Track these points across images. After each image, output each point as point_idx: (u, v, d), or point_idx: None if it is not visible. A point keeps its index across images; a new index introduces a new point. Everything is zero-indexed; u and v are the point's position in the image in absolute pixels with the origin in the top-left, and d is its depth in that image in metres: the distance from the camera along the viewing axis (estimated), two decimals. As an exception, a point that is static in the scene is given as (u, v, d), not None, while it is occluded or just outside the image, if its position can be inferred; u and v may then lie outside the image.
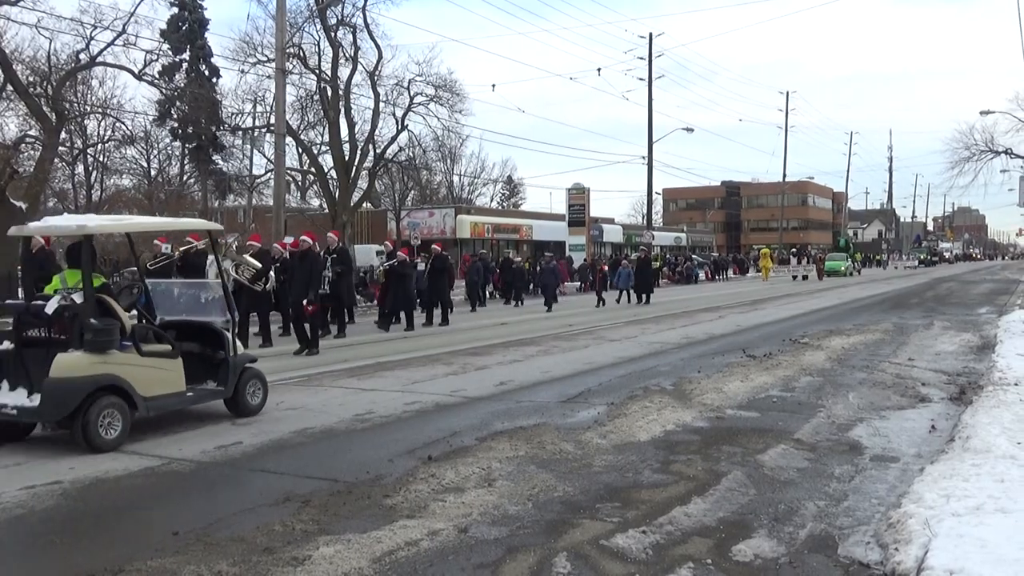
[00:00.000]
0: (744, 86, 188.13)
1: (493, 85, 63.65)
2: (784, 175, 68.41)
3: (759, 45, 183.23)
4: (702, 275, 52.05)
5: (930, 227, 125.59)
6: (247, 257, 14.73)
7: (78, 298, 7.58)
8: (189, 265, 14.78)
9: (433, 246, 21.61)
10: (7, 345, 7.79)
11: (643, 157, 48.22)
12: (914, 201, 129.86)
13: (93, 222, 8.44)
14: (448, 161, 58.91)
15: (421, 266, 21.80)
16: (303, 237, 14.97)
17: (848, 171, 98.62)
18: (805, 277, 49.36)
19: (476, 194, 68.50)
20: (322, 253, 16.18)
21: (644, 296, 28.42)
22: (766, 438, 7.44)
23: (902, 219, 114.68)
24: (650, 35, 47.28)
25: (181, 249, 15.11)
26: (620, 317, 22.13)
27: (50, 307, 7.57)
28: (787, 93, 67.43)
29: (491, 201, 72.73)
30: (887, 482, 6.13)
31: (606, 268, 33.30)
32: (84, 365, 7.31)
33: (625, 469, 6.44)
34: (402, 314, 18.72)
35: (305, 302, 13.75)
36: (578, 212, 48.00)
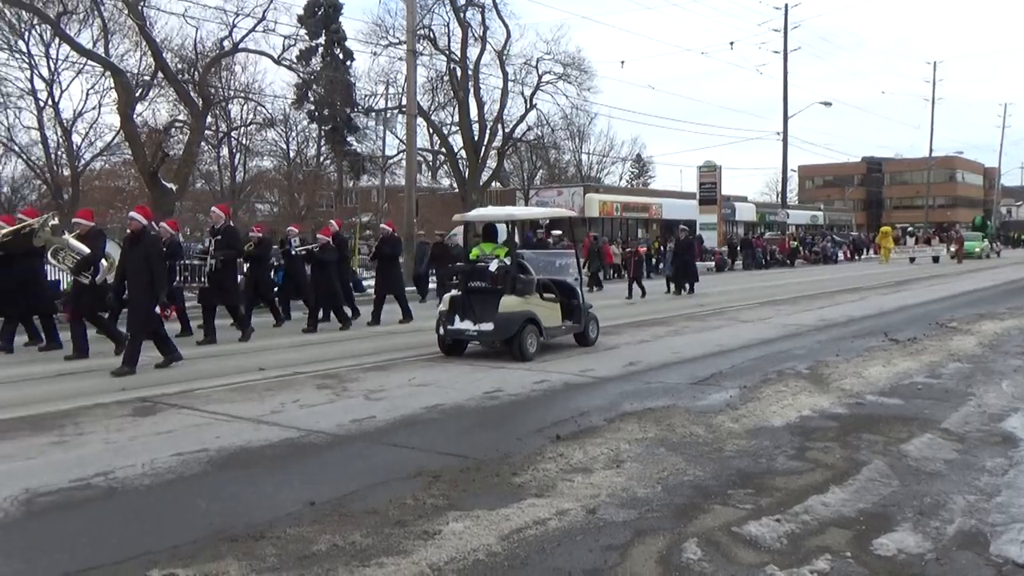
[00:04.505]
0: (887, 57, 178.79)
1: (622, 62, 63.61)
2: (930, 150, 64.96)
3: (904, 13, 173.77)
4: (841, 255, 50.22)
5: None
6: (69, 240, 11.78)
7: (507, 260, 11.24)
8: (19, 246, 12.07)
9: (382, 226, 18.56)
10: (456, 292, 11.48)
11: (778, 133, 46.88)
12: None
13: (518, 212, 14.16)
14: (576, 139, 58.76)
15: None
16: (133, 214, 11.03)
17: (1001, 145, 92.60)
18: (936, 259, 43.06)
19: (605, 173, 67.95)
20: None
21: (682, 285, 23.70)
22: (910, 427, 7.08)
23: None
24: (785, 6, 45.75)
25: (3, 232, 12.25)
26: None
27: (492, 267, 11.24)
28: (934, 63, 63.80)
29: (620, 180, 71.99)
30: (1046, 477, 5.72)
31: (642, 251, 27.94)
32: (517, 304, 10.98)
33: (758, 455, 6.25)
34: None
35: (158, 307, 10.69)
36: (709, 190, 47.02)
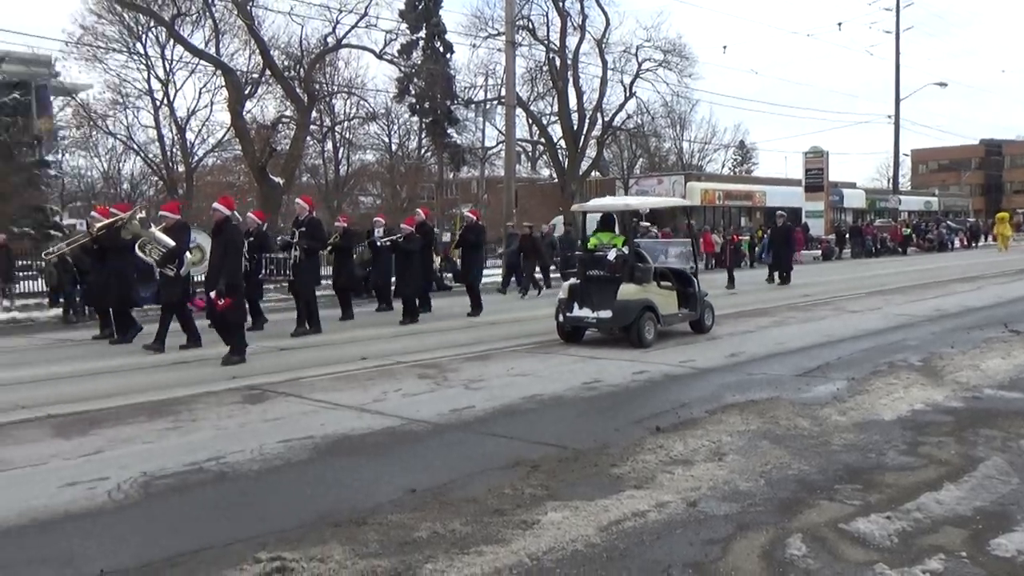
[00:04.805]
0: (1006, 33, 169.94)
1: (724, 47, 62.36)
2: (1055, 130, 61.41)
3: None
4: (956, 242, 48.13)
5: None
6: (156, 233, 11.74)
7: (625, 249, 11.50)
8: (111, 240, 12.42)
9: (467, 213, 18.02)
10: (575, 281, 11.81)
11: (889, 116, 45.33)
12: None
13: (634, 201, 14.51)
14: (677, 127, 57.81)
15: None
16: (215, 205, 11.40)
17: None
18: None
19: (706, 160, 66.75)
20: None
21: (779, 274, 22.64)
22: (1032, 422, 6.73)
23: None
24: (898, -17, 43.89)
25: (99, 225, 12.63)
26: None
27: (611, 255, 11.48)
28: (1060, 38, 60.28)
29: (722, 167, 70.56)
30: None
31: (738, 239, 26.65)
32: (635, 292, 11.21)
33: (867, 449, 6.04)
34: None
35: (214, 294, 10.44)
36: (816, 176, 45.70)
